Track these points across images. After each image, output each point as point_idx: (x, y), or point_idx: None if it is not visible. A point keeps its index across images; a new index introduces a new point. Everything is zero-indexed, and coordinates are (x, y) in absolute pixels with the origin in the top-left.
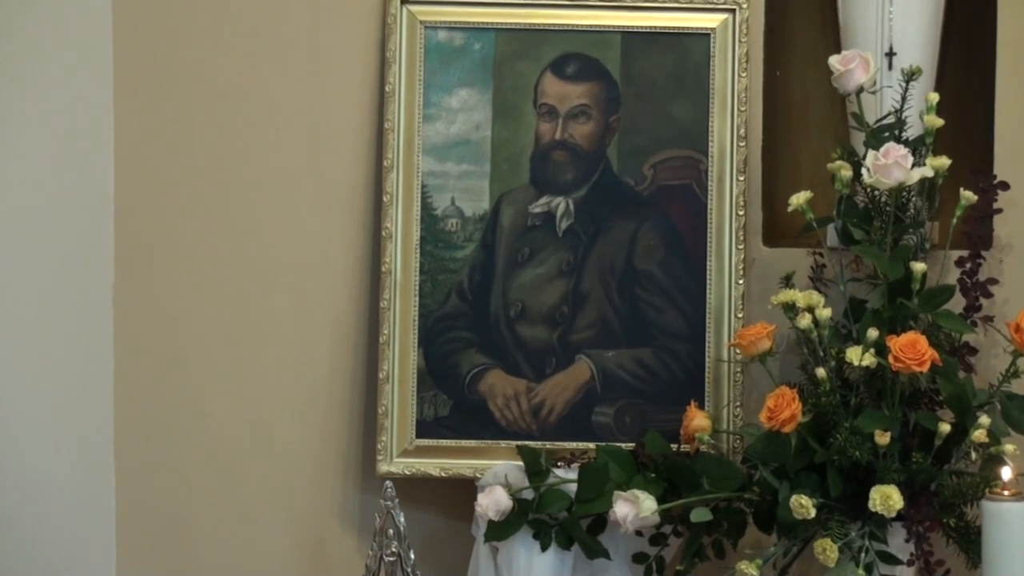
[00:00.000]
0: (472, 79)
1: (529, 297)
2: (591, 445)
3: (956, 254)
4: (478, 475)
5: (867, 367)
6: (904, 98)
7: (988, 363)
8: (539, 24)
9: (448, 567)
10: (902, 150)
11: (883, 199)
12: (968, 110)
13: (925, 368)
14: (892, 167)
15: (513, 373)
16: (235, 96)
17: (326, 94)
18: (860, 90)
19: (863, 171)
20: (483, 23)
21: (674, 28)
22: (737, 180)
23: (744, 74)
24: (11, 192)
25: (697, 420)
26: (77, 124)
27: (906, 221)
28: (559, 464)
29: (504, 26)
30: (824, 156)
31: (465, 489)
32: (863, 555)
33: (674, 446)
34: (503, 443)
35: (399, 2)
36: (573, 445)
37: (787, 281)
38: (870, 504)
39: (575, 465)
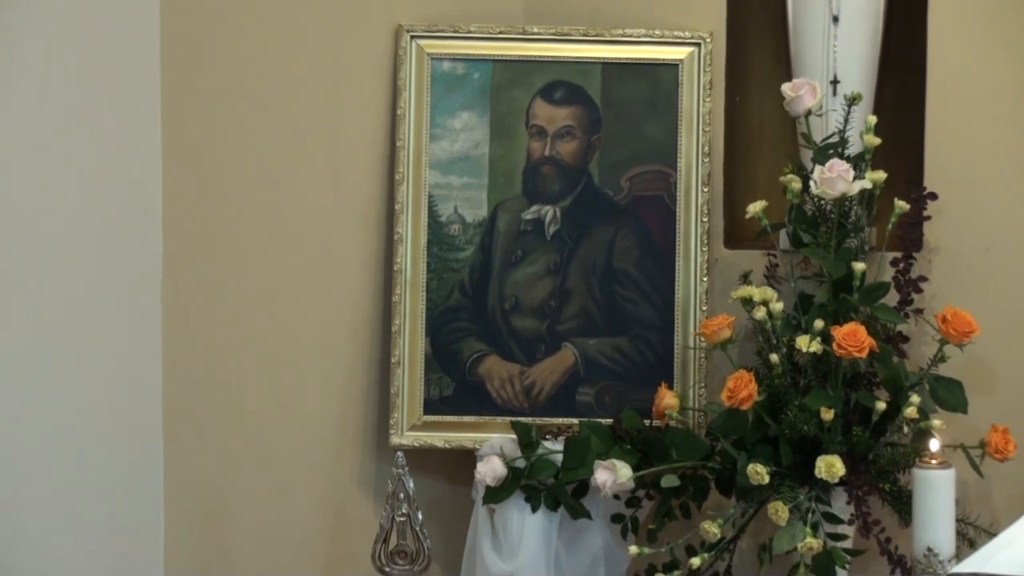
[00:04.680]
0: (472, 104)
1: (522, 292)
2: (575, 421)
3: (891, 255)
4: (477, 447)
5: (814, 353)
6: (846, 120)
7: (918, 350)
8: (530, 56)
9: (451, 526)
10: (845, 165)
11: (828, 207)
12: (902, 130)
13: (864, 354)
14: (836, 180)
15: (508, 358)
16: (269, 118)
17: (346, 117)
18: (808, 113)
19: (811, 183)
20: (482, 55)
21: (647, 59)
22: (702, 191)
23: (708, 99)
24: (72, 199)
25: (667, 399)
26: (129, 145)
27: (848, 227)
28: (547, 437)
29: (500, 58)
30: (777, 170)
31: (466, 459)
32: (810, 515)
33: (647, 421)
34: (499, 419)
35: (409, 37)
36: (560, 421)
37: (745, 279)
38: (816, 471)
39: (561, 438)
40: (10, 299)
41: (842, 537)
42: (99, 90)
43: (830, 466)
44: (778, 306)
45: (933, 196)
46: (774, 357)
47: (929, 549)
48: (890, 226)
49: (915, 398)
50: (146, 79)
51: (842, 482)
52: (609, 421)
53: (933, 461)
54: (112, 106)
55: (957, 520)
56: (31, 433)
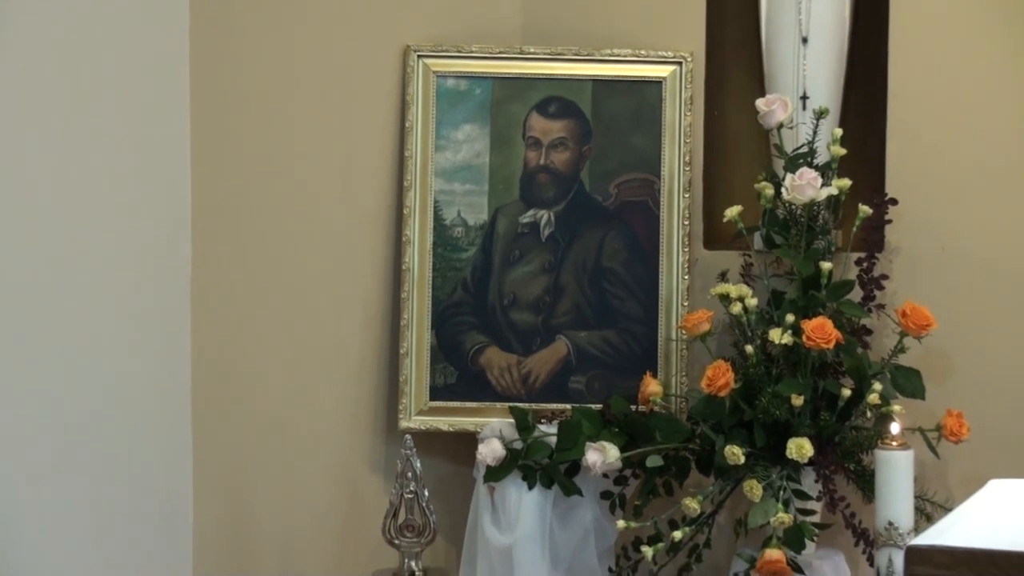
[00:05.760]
0: (474, 117)
1: (519, 289)
2: (568, 406)
3: (855, 255)
4: (479, 430)
5: (785, 345)
6: (815, 132)
7: (880, 342)
8: (527, 74)
9: (455, 503)
10: (813, 173)
11: (798, 212)
12: (866, 141)
13: (831, 345)
14: (805, 187)
15: (506, 349)
16: (289, 130)
17: (359, 129)
18: (780, 126)
19: (782, 190)
20: (482, 73)
21: (634, 77)
22: (683, 197)
23: (689, 113)
24: (110, 208)
25: (651, 386)
26: (161, 158)
27: (816, 229)
28: (543, 421)
29: (499, 75)
30: (752, 178)
31: (468, 441)
32: (782, 492)
33: (633, 407)
34: (498, 405)
35: (416, 56)
36: (554, 406)
37: (723, 277)
38: (787, 452)
39: (555, 422)
40: (47, 300)
41: (811, 512)
42: (134, 105)
43: (800, 447)
44: (753, 302)
45: (894, 201)
46: (749, 348)
47: (890, 523)
48: (855, 229)
49: (877, 385)
50: (177, 99)
51: (811, 462)
52: (599, 406)
53: (894, 443)
54: (146, 120)
55: (915, 497)
56: (69, 423)
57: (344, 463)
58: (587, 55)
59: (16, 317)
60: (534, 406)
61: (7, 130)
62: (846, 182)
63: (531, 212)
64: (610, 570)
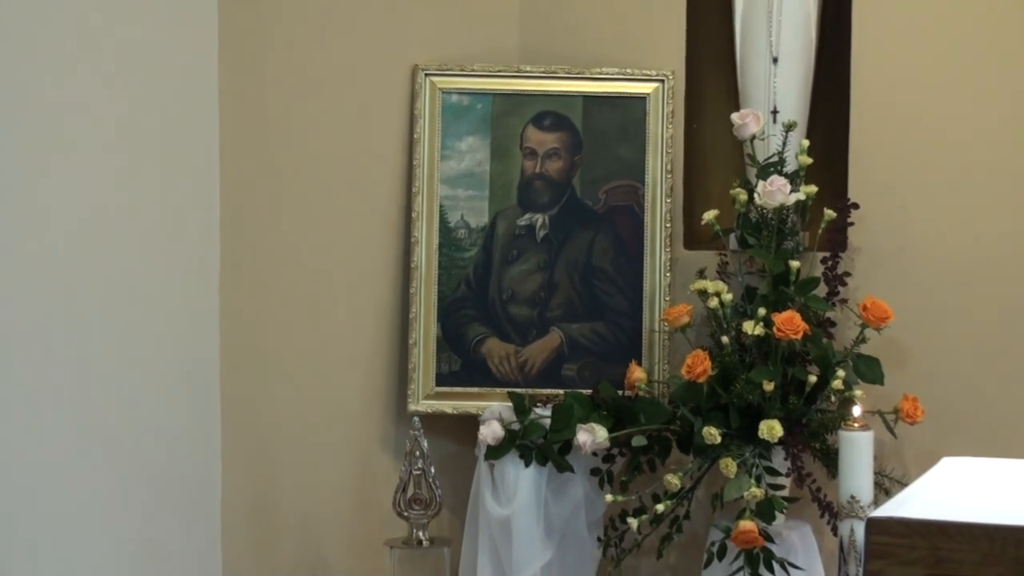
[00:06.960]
0: (476, 129)
1: (517, 286)
2: (561, 391)
3: (821, 255)
4: (480, 413)
5: (758, 335)
6: (784, 143)
7: (843, 333)
8: (524, 90)
9: (459, 479)
10: (783, 180)
11: (769, 215)
12: (830, 151)
13: (799, 336)
14: (776, 193)
15: (505, 340)
16: (310, 141)
17: (373, 140)
18: (753, 137)
19: (755, 195)
20: (483, 89)
21: (620, 93)
22: (665, 202)
23: (670, 126)
24: (148, 210)
25: (636, 373)
26: (191, 163)
27: (786, 231)
28: (538, 404)
29: (498, 92)
30: (727, 185)
31: (471, 423)
32: (754, 469)
33: (620, 392)
34: (498, 390)
35: (424, 75)
36: (548, 391)
37: (701, 274)
38: (759, 433)
39: (549, 405)
40: (81, 295)
41: (780, 487)
42: (169, 115)
43: (771, 428)
44: (728, 297)
45: (856, 206)
46: (725, 339)
47: (852, 497)
48: (820, 231)
49: (841, 372)
50: (207, 111)
51: (781, 442)
52: (589, 391)
53: (855, 424)
54: (178, 129)
55: (875, 473)
56: (106, 403)
57: (358, 442)
58: (578, 73)
59: (51, 313)
60: (530, 391)
61: (36, 134)
62: (813, 188)
63: (527, 215)
64: (599, 539)
